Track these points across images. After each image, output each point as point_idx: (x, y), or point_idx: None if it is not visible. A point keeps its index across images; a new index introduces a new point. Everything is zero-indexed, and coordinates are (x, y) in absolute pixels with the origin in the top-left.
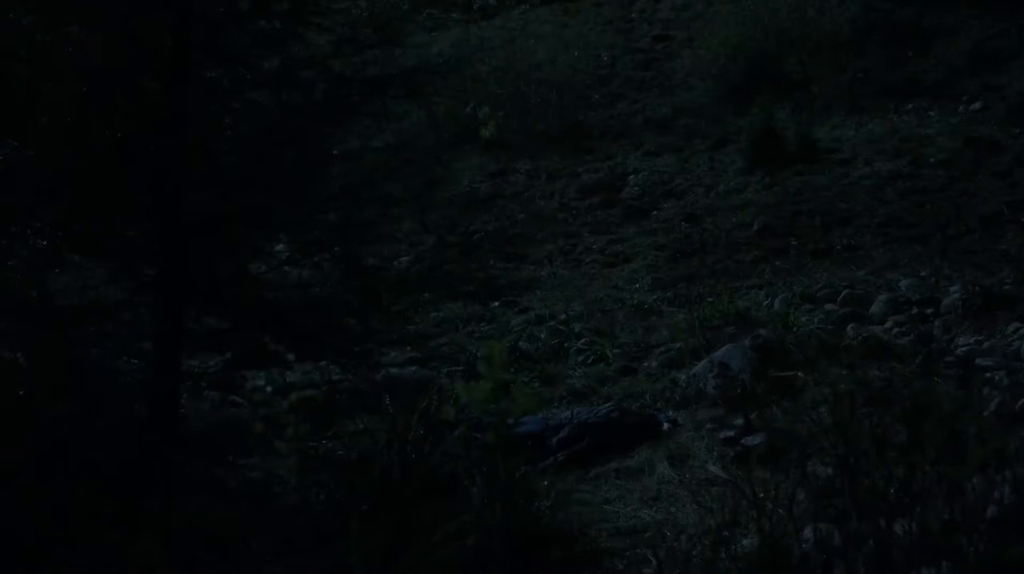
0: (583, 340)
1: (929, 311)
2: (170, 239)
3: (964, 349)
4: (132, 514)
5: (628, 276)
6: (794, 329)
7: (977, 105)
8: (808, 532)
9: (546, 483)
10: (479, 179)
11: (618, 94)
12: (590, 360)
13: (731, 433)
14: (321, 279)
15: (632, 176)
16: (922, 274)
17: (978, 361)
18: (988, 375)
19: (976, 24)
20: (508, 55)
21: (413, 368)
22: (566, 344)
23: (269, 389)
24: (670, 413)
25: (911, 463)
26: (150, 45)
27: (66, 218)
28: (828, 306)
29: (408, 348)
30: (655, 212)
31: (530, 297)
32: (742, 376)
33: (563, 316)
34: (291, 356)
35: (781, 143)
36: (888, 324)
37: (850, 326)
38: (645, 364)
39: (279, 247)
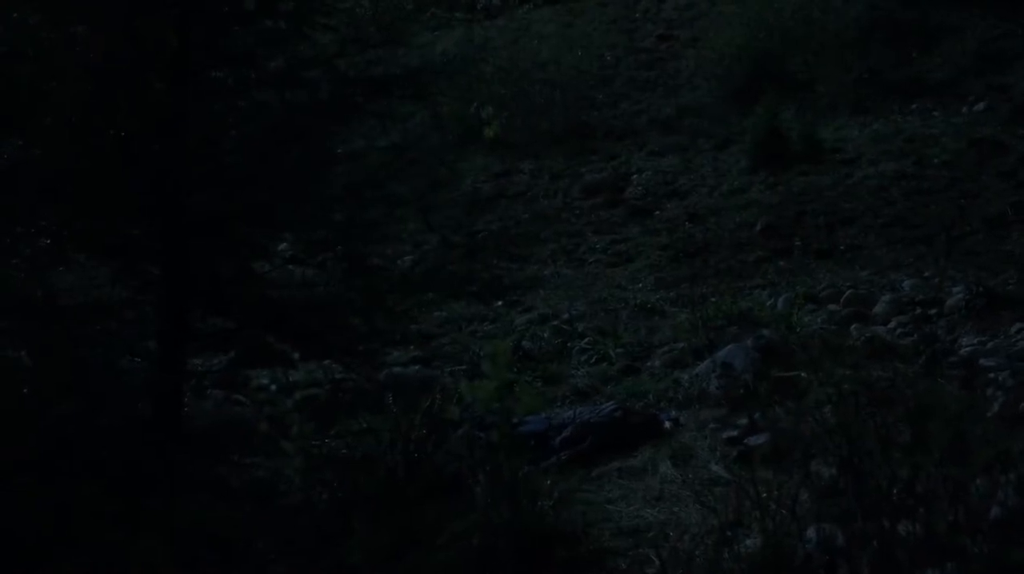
0: (586, 340)
1: (933, 311)
2: (173, 238)
3: (968, 349)
4: (135, 513)
5: (631, 276)
6: (797, 329)
7: (981, 105)
8: (811, 532)
9: (549, 482)
10: (483, 179)
11: (622, 94)
12: (593, 360)
13: (734, 433)
14: (325, 278)
15: (636, 176)
16: (926, 274)
17: (981, 361)
18: (992, 376)
19: (981, 24)
20: (512, 55)
21: (416, 367)
22: (569, 343)
23: (273, 388)
24: (673, 413)
25: (915, 464)
26: (152, 44)
27: (69, 217)
28: (831, 306)
29: (411, 347)
30: (658, 212)
31: (533, 296)
32: (745, 376)
33: (566, 315)
34: (295, 355)
35: (785, 143)
36: (892, 324)
37: (853, 326)
38: (648, 364)
39: (282, 246)
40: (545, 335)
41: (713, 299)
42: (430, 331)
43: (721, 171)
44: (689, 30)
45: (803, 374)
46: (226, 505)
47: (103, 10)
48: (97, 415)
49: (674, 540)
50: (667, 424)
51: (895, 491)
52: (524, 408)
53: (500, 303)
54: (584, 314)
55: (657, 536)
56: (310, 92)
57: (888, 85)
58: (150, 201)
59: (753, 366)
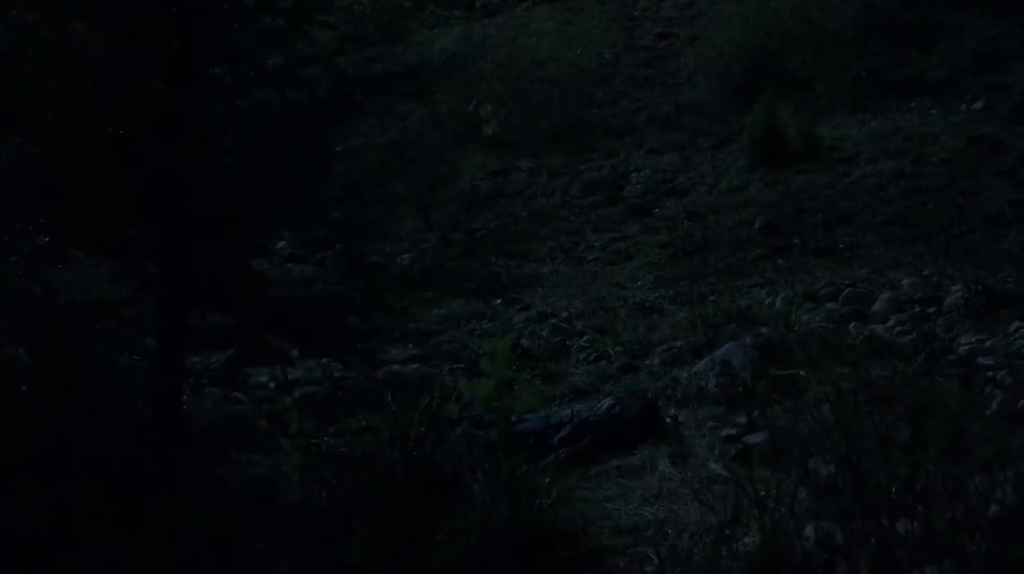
0: (585, 338)
1: (931, 310)
2: (172, 237)
3: (966, 348)
4: (135, 513)
5: (630, 274)
6: (796, 327)
7: (980, 104)
8: (810, 530)
9: (548, 481)
10: (482, 177)
11: (621, 92)
12: (592, 358)
13: (733, 431)
14: (324, 276)
15: (634, 174)
16: (924, 273)
17: (980, 360)
18: (990, 374)
19: (980, 23)
20: (511, 52)
21: (415, 365)
22: (568, 342)
23: (272, 386)
24: (672, 411)
25: (914, 462)
26: (152, 44)
27: (69, 216)
28: (830, 304)
29: (410, 345)
30: (657, 210)
31: (532, 294)
32: (744, 374)
33: (565, 314)
34: (295, 353)
35: (784, 141)
36: (890, 323)
37: (852, 325)
38: (647, 362)
39: (281, 244)
40: (544, 333)
41: (712, 297)
42: (429, 329)
43: (720, 169)
44: (688, 28)
45: (802, 372)
46: (226, 505)
47: (103, 10)
48: (97, 415)
49: (673, 538)
50: (668, 420)
51: (894, 489)
52: (523, 406)
53: (499, 301)
54: (583, 312)
55: (656, 534)
56: (309, 91)
57: (887, 84)
58: (150, 201)
59: (752, 364)
